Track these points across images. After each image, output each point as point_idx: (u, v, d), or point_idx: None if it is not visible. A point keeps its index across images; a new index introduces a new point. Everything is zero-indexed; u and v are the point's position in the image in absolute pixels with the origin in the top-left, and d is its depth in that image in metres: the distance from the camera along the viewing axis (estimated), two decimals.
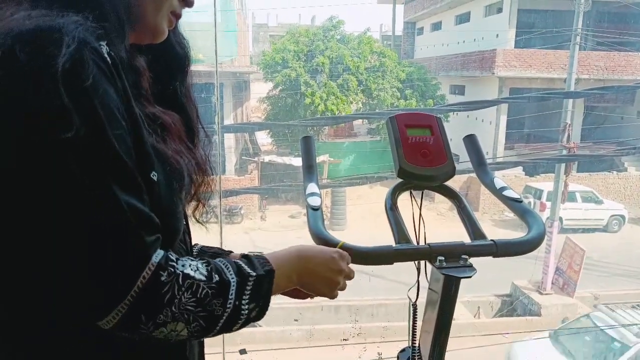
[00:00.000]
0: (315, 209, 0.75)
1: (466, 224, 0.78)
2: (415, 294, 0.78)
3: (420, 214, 0.83)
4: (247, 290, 0.63)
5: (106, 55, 0.58)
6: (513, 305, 9.58)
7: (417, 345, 0.81)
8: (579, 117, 16.40)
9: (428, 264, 0.74)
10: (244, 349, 5.41)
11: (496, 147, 16.15)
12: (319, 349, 7.18)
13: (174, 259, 0.59)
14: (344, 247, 0.68)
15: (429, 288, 0.74)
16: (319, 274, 0.72)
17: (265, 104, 18.12)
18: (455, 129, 18.34)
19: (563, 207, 12.32)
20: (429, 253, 0.69)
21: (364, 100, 16.71)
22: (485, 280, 10.31)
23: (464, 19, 19.57)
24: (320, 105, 15.27)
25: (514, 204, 0.81)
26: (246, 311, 0.63)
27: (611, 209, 14.23)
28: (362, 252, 0.71)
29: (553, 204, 9.57)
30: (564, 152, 9.11)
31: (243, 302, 0.63)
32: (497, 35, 16.75)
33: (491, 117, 16.76)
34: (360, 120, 19.94)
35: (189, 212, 0.81)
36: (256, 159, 16.03)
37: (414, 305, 0.80)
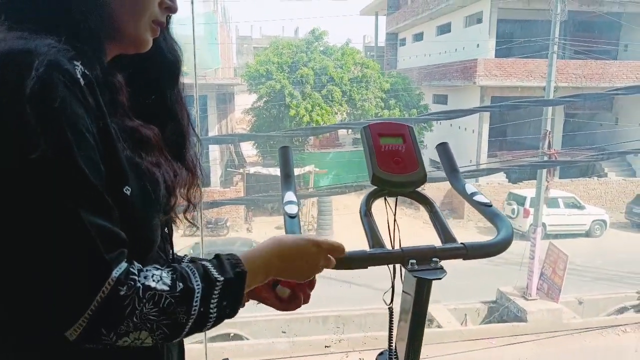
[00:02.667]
0: (293, 216, 0.78)
1: (437, 228, 0.81)
2: (390, 298, 0.80)
3: (395, 220, 0.86)
4: (214, 295, 0.64)
5: (79, 76, 0.60)
6: (499, 311, 9.66)
7: (393, 347, 0.83)
8: (560, 124, 16.71)
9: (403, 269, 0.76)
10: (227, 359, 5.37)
11: (479, 155, 16.35)
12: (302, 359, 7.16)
13: (136, 272, 0.60)
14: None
15: (403, 291, 0.77)
16: (295, 266, 0.73)
17: (250, 115, 18.15)
18: (439, 138, 18.50)
19: (546, 214, 12.51)
20: (402, 257, 0.71)
21: (349, 111, 16.85)
22: (471, 288, 10.41)
23: (445, 29, 19.89)
24: (305, 117, 15.34)
25: (484, 208, 0.84)
26: (214, 315, 0.64)
27: (593, 214, 14.47)
28: (337, 257, 0.73)
29: (535, 210, 9.70)
30: (545, 158, 9.27)
31: (211, 307, 0.64)
32: (478, 45, 17.04)
33: (474, 125, 17.00)
34: (346, 131, 20.08)
35: (180, 215, 0.84)
36: (241, 170, 16.01)
37: (390, 309, 0.83)
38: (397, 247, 0.75)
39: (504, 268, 11.65)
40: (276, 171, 16.02)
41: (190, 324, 0.62)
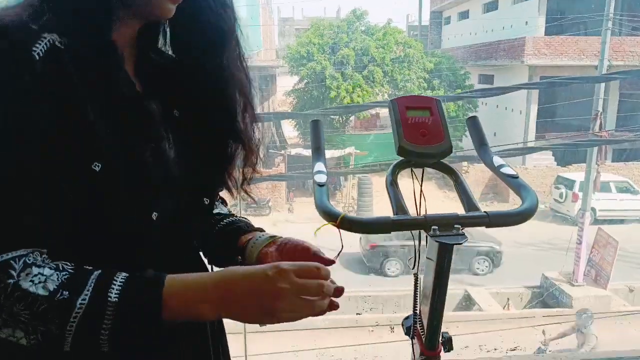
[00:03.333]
0: (321, 185, 0.81)
1: (461, 197, 0.83)
2: (414, 265, 0.83)
3: (421, 190, 0.88)
4: (105, 318, 0.56)
5: (37, 48, 0.58)
6: (543, 297, 9.45)
7: (418, 311, 0.86)
8: (614, 104, 15.90)
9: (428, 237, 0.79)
10: None
11: (527, 136, 15.83)
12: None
13: (19, 267, 0.56)
14: (345, 219, 0.74)
15: (427, 257, 0.80)
16: (246, 302, 0.61)
17: (291, 97, 18.24)
18: (484, 119, 18.04)
19: (596, 198, 12.01)
20: (425, 223, 0.74)
21: (390, 92, 16.64)
22: (516, 273, 10.21)
23: (492, 7, 19.19)
24: (346, 98, 15.28)
25: (510, 180, 0.85)
26: (105, 339, 0.57)
27: None
28: (362, 222, 0.77)
29: (584, 194, 9.35)
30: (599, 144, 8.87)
31: (102, 330, 0.56)
32: (527, 23, 16.38)
33: (521, 106, 16.44)
34: (387, 112, 19.87)
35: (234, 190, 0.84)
36: (282, 151, 16.19)
37: (415, 275, 0.86)
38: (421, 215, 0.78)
39: (551, 254, 11.36)
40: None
41: (69, 340, 0.56)
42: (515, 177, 0.85)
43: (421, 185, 0.88)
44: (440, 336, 0.84)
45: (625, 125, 15.36)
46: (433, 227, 0.73)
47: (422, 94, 16.01)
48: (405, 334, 0.89)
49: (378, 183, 16.14)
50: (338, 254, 0.76)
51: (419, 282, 0.85)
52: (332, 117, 16.86)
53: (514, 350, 6.99)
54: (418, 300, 0.86)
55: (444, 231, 0.73)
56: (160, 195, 0.69)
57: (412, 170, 0.87)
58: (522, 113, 16.27)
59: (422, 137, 0.83)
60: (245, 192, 0.87)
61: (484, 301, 9.10)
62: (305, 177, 14.43)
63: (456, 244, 0.72)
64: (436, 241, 0.72)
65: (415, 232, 0.80)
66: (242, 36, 0.79)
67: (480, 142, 0.95)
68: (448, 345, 0.85)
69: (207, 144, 0.78)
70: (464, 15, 21.85)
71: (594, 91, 9.37)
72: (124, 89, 0.67)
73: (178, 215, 0.72)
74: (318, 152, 0.91)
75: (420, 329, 0.85)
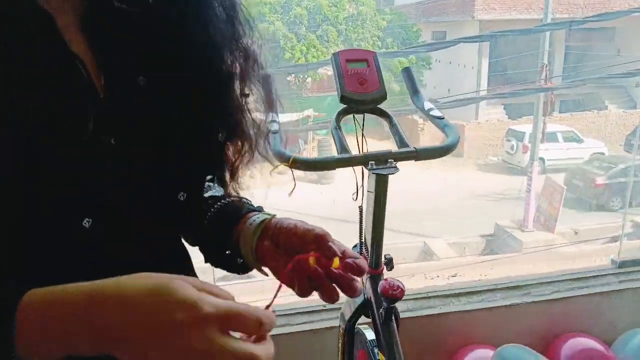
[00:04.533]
0: (275, 132, 0.92)
1: (395, 137, 0.95)
2: (356, 197, 0.96)
3: (362, 134, 1.00)
4: None
5: None
6: (497, 244, 10.02)
7: (363, 239, 1.00)
8: (560, 56, 16.49)
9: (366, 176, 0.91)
10: None
11: (478, 91, 16.27)
12: None
13: None
14: (296, 159, 0.85)
15: (368, 191, 0.92)
16: (133, 340, 0.38)
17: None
18: (437, 76, 18.27)
19: (545, 148, 12.62)
20: (364, 159, 0.86)
21: None
22: (472, 224, 10.73)
23: None
24: (301, 59, 15.15)
25: (438, 120, 0.98)
26: None
27: (592, 147, 14.58)
28: (309, 161, 0.88)
29: (533, 144, 9.83)
30: (542, 94, 9.28)
31: None
32: None
33: (473, 62, 16.79)
34: None
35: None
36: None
37: (360, 208, 0.99)
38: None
39: (503, 203, 11.96)
40: (283, 117, 16.07)
41: None
42: (441, 117, 0.98)
43: (362, 130, 1.00)
44: (383, 258, 0.99)
45: (570, 77, 16.01)
46: (370, 162, 0.85)
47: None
48: None
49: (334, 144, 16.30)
50: (291, 191, 0.87)
51: (363, 213, 0.98)
52: (288, 79, 16.72)
53: (454, 276, 7.48)
54: (363, 229, 0.99)
55: (380, 165, 0.85)
56: (97, 195, 0.51)
57: (354, 117, 0.99)
58: (473, 69, 16.64)
59: (360, 86, 0.94)
60: (235, 189, 0.70)
61: (442, 251, 9.58)
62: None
63: (389, 174, 0.84)
64: (373, 173, 0.85)
65: (358, 170, 0.92)
66: None
67: (413, 90, 1.07)
68: (389, 265, 1.00)
69: (183, 123, 0.59)
70: None
71: (539, 45, 9.71)
72: (43, 49, 0.49)
73: (137, 217, 0.56)
74: (270, 105, 1.01)
75: (367, 253, 0.99)
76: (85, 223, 0.50)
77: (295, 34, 15.64)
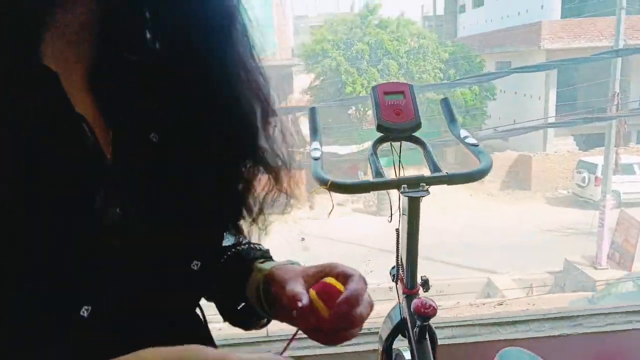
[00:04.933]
0: (316, 158, 1.00)
1: (428, 163, 1.00)
2: (390, 219, 1.02)
3: (399, 160, 1.07)
4: None
5: None
6: (566, 281, 9.46)
7: (400, 261, 1.05)
8: (637, 84, 15.64)
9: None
10: None
11: (546, 122, 15.70)
12: None
13: None
14: (334, 183, 0.92)
15: (402, 214, 0.98)
16: None
17: (308, 95, 18.43)
18: (502, 107, 17.78)
19: (620, 181, 11.89)
20: (396, 183, 0.92)
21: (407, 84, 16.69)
22: (538, 259, 10.23)
23: None
24: (362, 92, 15.40)
25: (472, 147, 1.02)
26: None
27: None
28: (346, 185, 0.95)
29: (604, 175, 9.32)
30: (614, 123, 8.85)
31: None
32: (542, 7, 16.21)
33: (540, 92, 16.30)
34: None
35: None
36: (301, 149, 16.38)
37: (397, 231, 1.04)
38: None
39: (573, 238, 11.33)
40: (335, 148, 16.31)
41: None
42: (476, 145, 1.03)
43: (399, 156, 1.07)
44: (419, 279, 1.03)
45: None
46: (403, 185, 0.91)
47: (439, 83, 16.04)
48: (392, 280, 1.08)
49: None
50: (330, 212, 0.94)
51: (399, 236, 1.03)
52: (349, 112, 17.02)
53: (501, 304, 7.13)
54: (400, 252, 1.04)
55: (412, 189, 0.91)
56: (98, 280, 0.44)
57: (391, 144, 1.06)
58: (541, 99, 16.14)
59: (396, 116, 1.01)
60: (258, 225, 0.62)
61: (506, 287, 9.17)
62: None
63: (421, 196, 0.90)
64: (405, 196, 0.91)
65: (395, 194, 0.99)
66: (251, 23, 0.57)
67: (450, 118, 1.13)
68: (425, 286, 1.03)
69: (199, 183, 0.54)
70: (479, 2, 21.69)
71: (610, 73, 9.32)
72: (47, 112, 0.44)
73: (144, 294, 0.49)
74: (315, 133, 1.11)
75: (403, 275, 1.04)
76: (83, 312, 0.43)
77: (357, 69, 15.99)
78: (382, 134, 1.03)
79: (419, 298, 0.92)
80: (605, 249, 9.12)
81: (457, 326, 1.46)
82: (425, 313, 0.89)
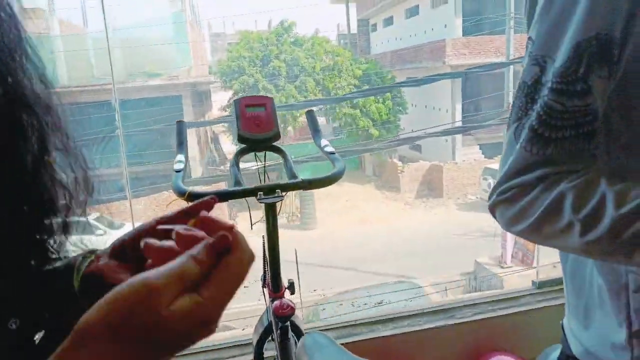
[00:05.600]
0: (178, 171, 1.02)
1: (286, 170, 1.06)
2: (252, 227, 1.06)
3: (264, 170, 1.11)
4: None
5: None
6: (477, 280, 10.05)
7: (267, 268, 1.09)
8: None
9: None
10: None
11: (454, 135, 16.71)
12: None
13: None
14: (192, 193, 0.94)
15: (262, 222, 1.02)
16: (144, 333, 0.36)
17: (226, 112, 18.26)
18: (413, 120, 18.55)
19: None
20: (253, 191, 0.96)
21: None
22: (451, 263, 10.79)
23: (413, 12, 20.15)
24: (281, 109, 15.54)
25: (329, 155, 1.09)
26: None
27: None
28: (204, 194, 0.98)
29: None
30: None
31: None
32: (446, 26, 17.34)
33: (447, 105, 17.36)
34: (324, 120, 20.30)
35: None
36: (222, 167, 16.18)
37: (263, 237, 1.08)
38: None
39: (482, 241, 12.09)
40: (257, 167, 16.28)
41: None
42: (332, 153, 1.10)
43: (264, 166, 1.12)
44: (286, 282, 1.07)
45: None
46: (259, 192, 0.96)
47: (355, 100, 16.57)
48: (262, 286, 1.12)
49: (320, 191, 16.48)
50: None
51: (265, 243, 1.08)
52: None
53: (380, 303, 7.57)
54: (266, 258, 1.08)
55: (268, 195, 0.96)
56: None
57: (255, 155, 1.10)
58: (448, 111, 17.17)
59: (256, 127, 1.06)
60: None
61: (426, 292, 9.57)
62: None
63: (274, 201, 0.94)
64: (261, 202, 0.95)
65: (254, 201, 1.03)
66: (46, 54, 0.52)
67: (314, 129, 1.20)
68: (291, 289, 1.08)
69: None
70: (389, 21, 22.78)
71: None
72: None
73: None
74: (181, 146, 1.12)
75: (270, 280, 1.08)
76: None
77: (274, 85, 16.12)
78: (244, 145, 1.07)
79: (280, 300, 0.96)
80: (510, 249, 9.81)
81: (338, 328, 1.52)
82: (283, 313, 0.94)
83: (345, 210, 15.92)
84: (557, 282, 1.71)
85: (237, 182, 0.99)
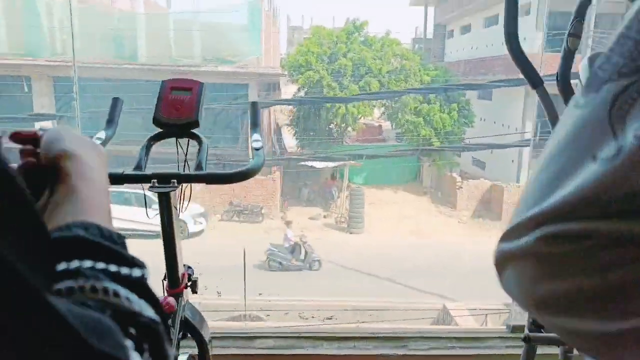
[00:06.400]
0: (257, 149, 0.99)
1: (197, 160, 0.98)
2: (148, 215, 0.99)
3: (185, 158, 1.04)
4: None
5: None
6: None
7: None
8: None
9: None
10: None
11: (521, 156, 15.87)
12: None
13: None
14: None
15: (159, 213, 0.96)
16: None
17: (291, 105, 18.44)
18: (479, 134, 17.75)
19: None
20: (148, 177, 0.90)
21: (387, 104, 16.82)
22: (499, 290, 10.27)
23: (492, 21, 19.36)
24: (341, 108, 15.47)
25: (254, 150, 1.01)
26: None
27: None
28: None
29: None
30: None
31: None
32: (525, 38, 16.51)
33: (517, 123, 16.55)
34: (390, 125, 19.93)
35: None
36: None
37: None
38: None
39: None
40: (312, 163, 16.24)
41: None
42: (258, 149, 1.01)
43: (186, 153, 1.05)
44: (187, 278, 1.00)
45: None
46: (153, 180, 0.89)
47: (418, 107, 16.17)
48: (163, 279, 1.05)
49: (370, 194, 16.24)
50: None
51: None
52: (330, 127, 17.05)
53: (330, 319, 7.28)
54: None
55: (162, 184, 0.89)
56: None
57: (177, 141, 1.04)
58: (517, 129, 16.36)
59: (175, 111, 0.99)
60: None
61: (459, 319, 9.17)
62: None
63: (165, 191, 0.87)
64: (152, 191, 0.88)
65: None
66: None
67: (254, 123, 1.12)
68: (193, 286, 1.01)
69: None
70: (467, 29, 22.04)
71: None
72: None
73: None
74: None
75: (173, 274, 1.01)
76: None
77: (339, 84, 16.07)
78: (160, 130, 1.00)
79: (165, 297, 0.89)
80: None
81: (282, 337, 1.43)
82: (166, 310, 0.86)
83: (396, 219, 15.60)
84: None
85: (137, 167, 0.93)
